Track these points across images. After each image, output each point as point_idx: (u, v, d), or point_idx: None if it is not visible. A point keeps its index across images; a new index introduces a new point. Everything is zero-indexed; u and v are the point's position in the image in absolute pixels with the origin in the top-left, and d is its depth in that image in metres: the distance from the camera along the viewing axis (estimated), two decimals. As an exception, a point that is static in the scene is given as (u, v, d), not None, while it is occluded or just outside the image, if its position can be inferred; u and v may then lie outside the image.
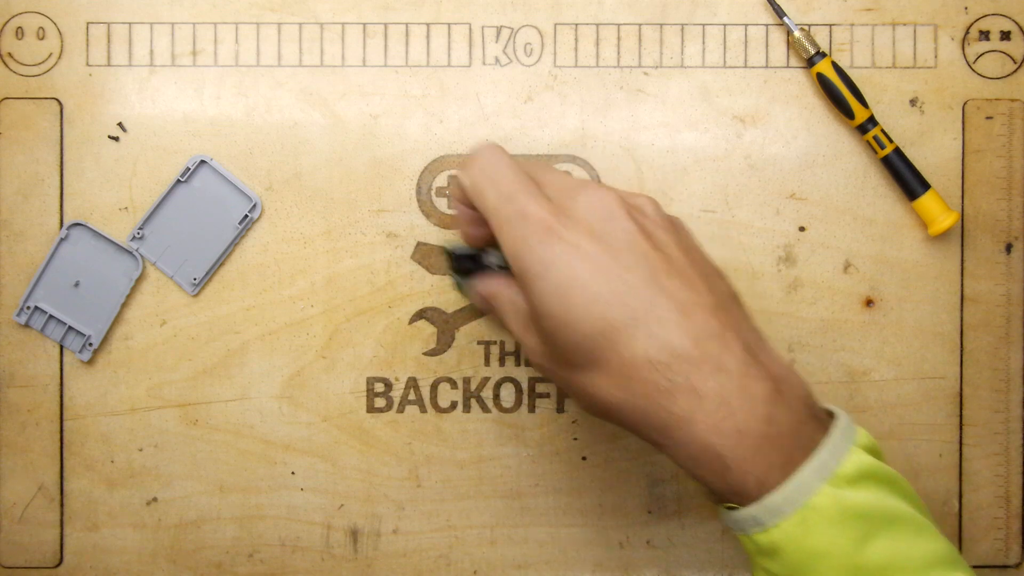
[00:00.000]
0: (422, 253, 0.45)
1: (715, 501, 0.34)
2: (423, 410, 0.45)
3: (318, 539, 0.45)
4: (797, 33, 0.44)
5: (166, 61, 0.45)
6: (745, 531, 0.33)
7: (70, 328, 0.44)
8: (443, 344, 0.45)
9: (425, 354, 0.45)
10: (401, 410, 0.45)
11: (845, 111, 0.44)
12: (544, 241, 0.33)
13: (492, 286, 0.38)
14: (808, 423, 0.33)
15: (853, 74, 0.44)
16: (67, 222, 0.44)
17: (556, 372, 0.35)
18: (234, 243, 0.45)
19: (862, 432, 0.34)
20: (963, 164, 0.45)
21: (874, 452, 0.34)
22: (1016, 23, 0.45)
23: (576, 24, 0.45)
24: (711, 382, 0.32)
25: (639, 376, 0.32)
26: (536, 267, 0.33)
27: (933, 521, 0.34)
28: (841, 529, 0.32)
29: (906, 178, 0.44)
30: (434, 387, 0.45)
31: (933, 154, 0.45)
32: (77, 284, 0.44)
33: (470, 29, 0.45)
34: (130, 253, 0.44)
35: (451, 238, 0.43)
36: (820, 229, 0.45)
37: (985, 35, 0.45)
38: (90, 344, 0.44)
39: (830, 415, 0.34)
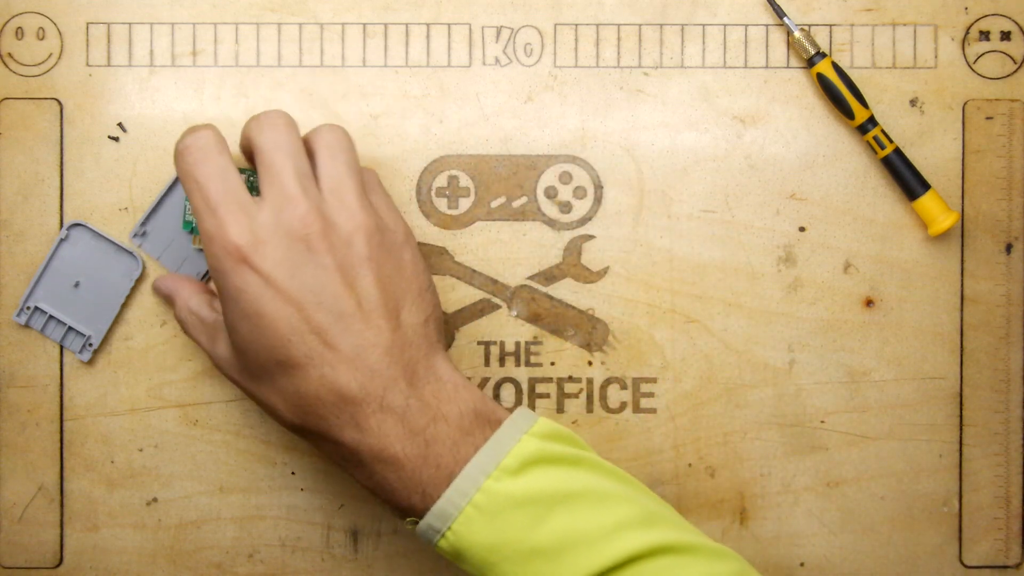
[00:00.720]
0: (422, 253, 0.45)
1: (400, 518, 0.37)
2: (423, 410, 0.45)
3: (318, 539, 0.45)
4: (797, 33, 0.44)
5: (166, 61, 0.45)
6: (431, 541, 0.35)
7: (70, 328, 0.44)
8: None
9: (425, 354, 0.45)
10: (401, 410, 0.45)
11: (845, 111, 0.44)
12: (236, 270, 0.35)
13: (172, 287, 0.41)
14: (474, 433, 0.35)
15: (853, 74, 0.44)
16: (67, 222, 0.44)
17: (241, 383, 0.38)
18: None
19: (542, 422, 0.36)
20: (963, 164, 0.45)
21: (557, 437, 0.36)
22: (1016, 23, 0.45)
23: (576, 24, 0.45)
24: (372, 420, 0.35)
25: (312, 409, 0.35)
26: (230, 291, 0.35)
27: (642, 490, 0.37)
28: (510, 518, 0.34)
29: (906, 178, 0.44)
30: (434, 387, 0.45)
31: (933, 154, 0.45)
32: (77, 284, 0.44)
33: (470, 29, 0.45)
34: (130, 253, 0.44)
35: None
36: (820, 229, 0.45)
37: (985, 35, 0.45)
38: (90, 344, 0.44)
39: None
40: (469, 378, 0.42)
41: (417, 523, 0.36)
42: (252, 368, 0.36)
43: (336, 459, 0.37)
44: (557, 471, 0.35)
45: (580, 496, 0.35)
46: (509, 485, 0.34)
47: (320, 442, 0.37)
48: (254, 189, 0.40)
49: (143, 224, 0.44)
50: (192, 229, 0.44)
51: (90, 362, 0.45)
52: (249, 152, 0.38)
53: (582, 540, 0.34)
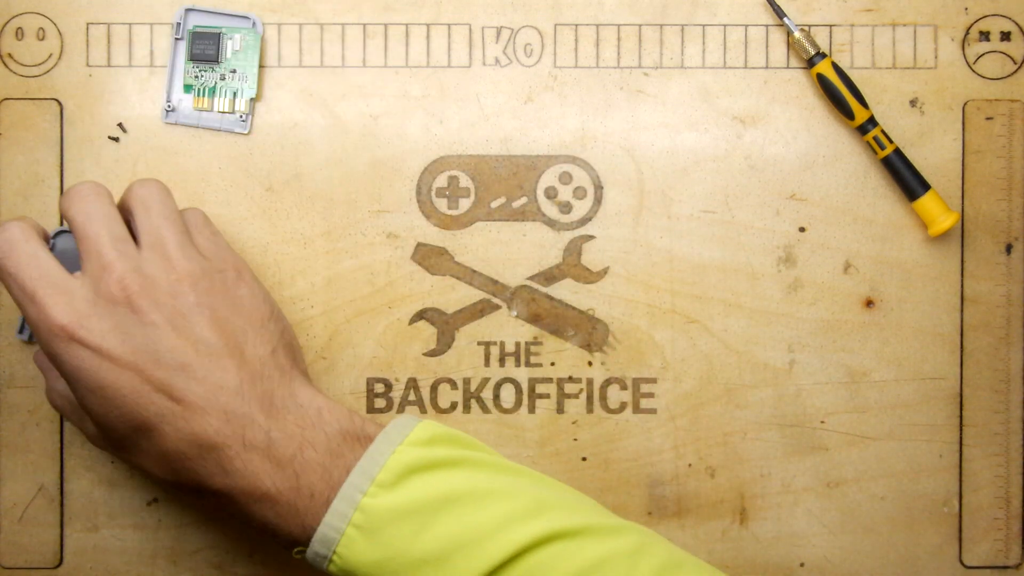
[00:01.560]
0: (422, 254, 0.45)
1: (287, 548, 0.37)
2: (423, 411, 0.45)
3: (318, 540, 0.45)
4: (797, 34, 0.44)
5: (166, 62, 0.45)
6: (323, 568, 0.35)
7: None
8: (443, 345, 0.45)
9: (425, 355, 0.45)
10: (401, 411, 0.45)
11: (845, 112, 0.44)
12: (67, 350, 0.35)
13: (43, 366, 0.41)
14: (344, 454, 0.35)
15: (853, 75, 0.44)
16: (51, 232, 0.44)
17: (115, 453, 0.38)
18: None
19: (421, 427, 0.36)
20: (963, 165, 0.45)
21: (437, 441, 0.36)
22: (1016, 24, 0.45)
23: (576, 24, 0.45)
24: (237, 462, 0.35)
25: (179, 464, 0.35)
26: (68, 372, 0.35)
27: (533, 479, 0.37)
28: (392, 532, 0.34)
29: (906, 179, 0.44)
30: (434, 388, 0.45)
31: (933, 155, 0.45)
32: None
33: (470, 30, 0.45)
34: None
35: None
36: (820, 230, 0.45)
37: (985, 36, 0.45)
38: None
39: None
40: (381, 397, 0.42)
41: (304, 552, 0.35)
42: (114, 438, 0.36)
43: (217, 508, 0.37)
44: (436, 476, 0.35)
45: (462, 498, 0.35)
46: (386, 499, 0.34)
47: (199, 495, 0.37)
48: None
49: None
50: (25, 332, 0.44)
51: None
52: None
53: (468, 541, 0.34)
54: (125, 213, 0.39)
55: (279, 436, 0.35)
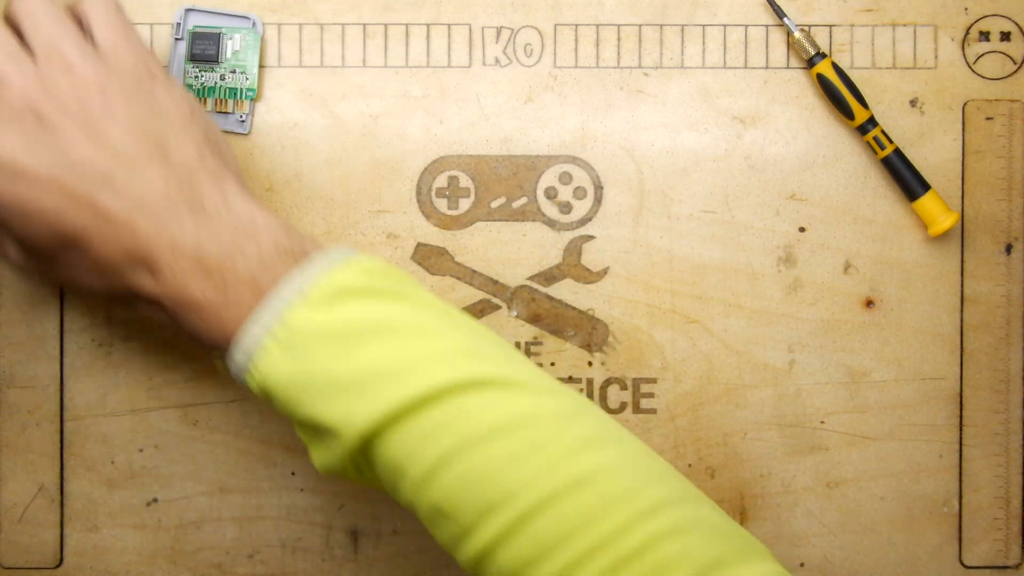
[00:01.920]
0: (422, 254, 0.45)
1: (213, 352, 0.35)
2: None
3: (318, 540, 0.45)
4: (797, 34, 0.44)
5: (166, 62, 0.45)
6: (242, 380, 0.34)
7: None
8: (443, 345, 0.45)
9: (425, 355, 0.45)
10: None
11: (845, 112, 0.44)
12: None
13: None
14: (276, 267, 0.33)
15: (853, 75, 0.44)
16: None
17: (43, 273, 0.37)
18: None
19: (367, 259, 0.34)
20: (963, 165, 0.45)
21: (382, 274, 0.34)
22: (1016, 24, 0.45)
23: (576, 25, 0.45)
24: (165, 267, 0.33)
25: (110, 271, 0.34)
26: None
27: (485, 336, 0.34)
28: (312, 351, 0.32)
29: (906, 179, 0.44)
30: (434, 388, 0.45)
31: (933, 155, 0.45)
32: None
33: (470, 30, 0.45)
34: None
35: None
36: (820, 230, 0.45)
37: (985, 36, 0.45)
38: None
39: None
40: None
41: (222, 358, 0.34)
42: (43, 257, 0.35)
43: (150, 315, 0.36)
44: (369, 304, 0.33)
45: (392, 329, 0.33)
46: (312, 316, 0.32)
47: (133, 303, 0.36)
48: None
49: None
50: None
51: (90, 363, 0.45)
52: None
53: (389, 371, 0.32)
54: (14, 28, 0.36)
55: (209, 243, 0.34)
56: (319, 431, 0.33)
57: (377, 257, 0.34)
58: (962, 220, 0.45)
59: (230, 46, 0.44)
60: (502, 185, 0.45)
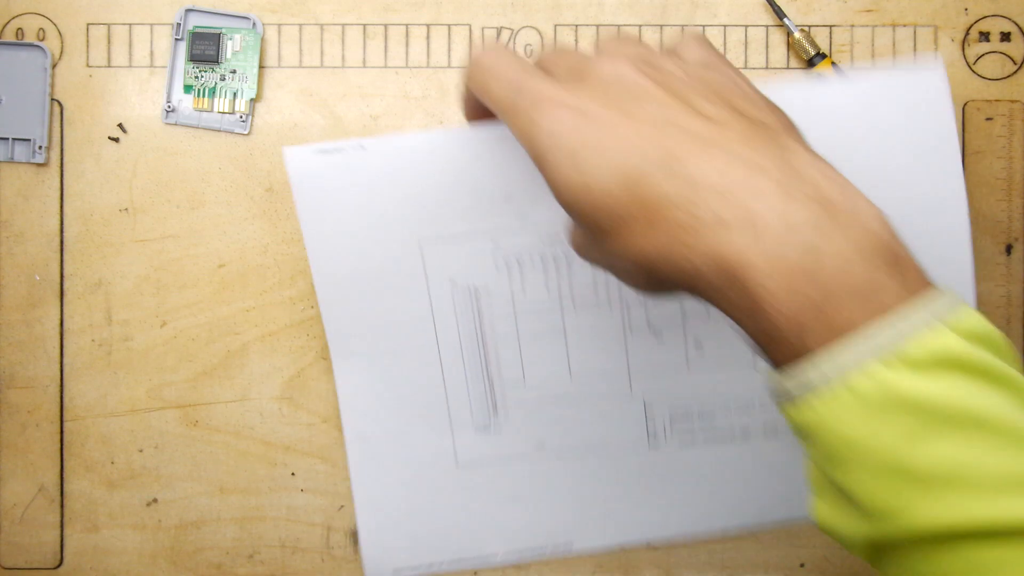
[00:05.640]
0: (422, 254, 0.45)
1: (759, 354, 0.30)
2: (423, 411, 0.45)
3: (318, 540, 0.45)
4: (797, 34, 0.44)
5: (166, 62, 0.45)
6: (779, 404, 0.29)
7: (14, 140, 0.44)
8: (443, 345, 0.45)
9: (425, 355, 0.45)
10: (401, 411, 0.45)
11: (845, 112, 0.44)
12: (550, 113, 0.31)
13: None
14: (876, 273, 0.27)
15: (853, 75, 0.44)
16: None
17: (594, 252, 0.33)
18: None
19: (968, 313, 0.27)
20: (963, 165, 0.45)
21: (984, 340, 0.27)
22: (1016, 24, 0.45)
23: (576, 25, 0.45)
24: (739, 209, 0.27)
25: (663, 218, 0.29)
26: (545, 141, 0.31)
27: None
28: (888, 419, 0.26)
29: (906, 179, 0.44)
30: (434, 388, 0.45)
31: (933, 155, 0.45)
32: (1, 101, 0.44)
33: (470, 30, 0.45)
34: (33, 46, 0.44)
35: None
36: (820, 230, 0.45)
37: (985, 36, 0.45)
38: (40, 147, 0.44)
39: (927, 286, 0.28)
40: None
41: (772, 369, 0.29)
42: (592, 220, 0.31)
43: (687, 283, 0.29)
44: (969, 384, 0.26)
45: (983, 428, 0.26)
46: (903, 380, 0.26)
47: (673, 266, 0.29)
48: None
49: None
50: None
51: (90, 363, 0.45)
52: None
53: (964, 481, 0.26)
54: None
55: (808, 225, 0.27)
56: (848, 497, 0.28)
57: (973, 310, 0.28)
58: (962, 220, 0.45)
59: (230, 46, 0.44)
60: (502, 185, 0.45)
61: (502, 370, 0.42)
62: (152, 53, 0.45)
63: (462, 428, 0.43)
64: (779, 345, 0.28)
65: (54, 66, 0.45)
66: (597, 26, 0.45)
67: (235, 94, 0.44)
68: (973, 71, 0.45)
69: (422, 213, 0.41)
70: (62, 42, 0.45)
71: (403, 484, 0.43)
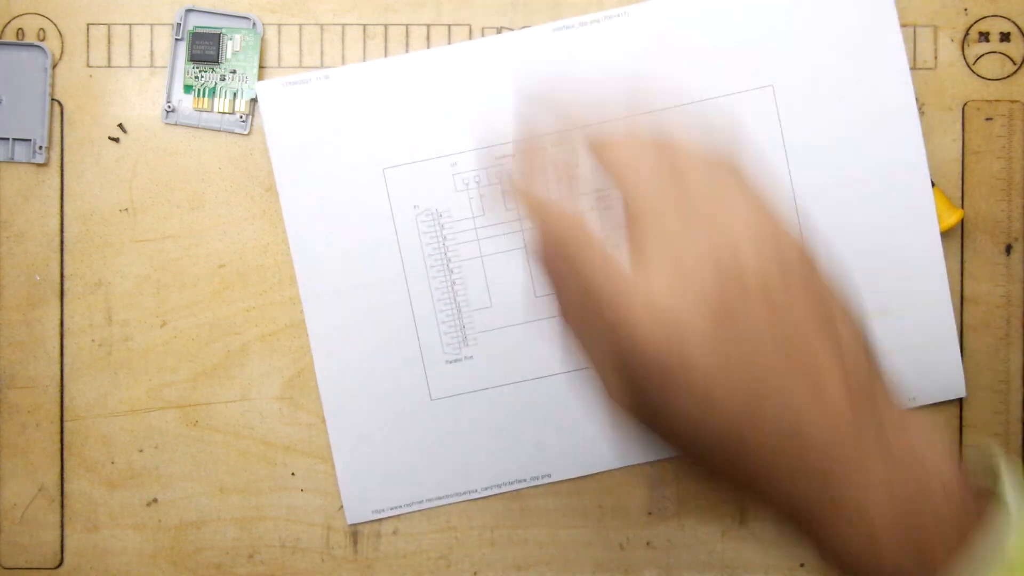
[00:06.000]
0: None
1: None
2: (423, 411, 0.45)
3: (318, 540, 0.45)
4: (797, 34, 0.44)
5: (166, 62, 0.45)
6: None
7: (15, 140, 0.44)
8: (443, 345, 0.45)
9: (425, 355, 0.45)
10: (401, 411, 0.45)
11: (845, 112, 0.44)
12: (664, 386, 0.27)
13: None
14: (962, 516, 0.27)
15: (853, 75, 0.44)
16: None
17: (644, 410, 0.28)
18: None
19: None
20: (963, 165, 0.45)
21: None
22: (1016, 24, 0.45)
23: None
24: (846, 490, 0.26)
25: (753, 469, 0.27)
26: (654, 405, 0.27)
27: None
28: None
29: (906, 179, 0.44)
30: (434, 388, 0.45)
31: (933, 155, 0.45)
32: (1, 101, 0.44)
33: (470, 30, 0.45)
34: (33, 46, 0.44)
35: None
36: (820, 230, 0.45)
37: (985, 36, 0.45)
38: (40, 147, 0.44)
39: (986, 494, 0.28)
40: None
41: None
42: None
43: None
44: None
45: None
46: None
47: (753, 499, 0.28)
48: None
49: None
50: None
51: (91, 363, 0.45)
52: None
53: None
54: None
55: (899, 479, 0.27)
56: None
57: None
58: (962, 220, 0.45)
59: (230, 46, 0.44)
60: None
61: (469, 295, 0.43)
62: (152, 53, 0.45)
63: (434, 361, 0.43)
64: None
65: (54, 66, 0.45)
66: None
67: (235, 94, 0.44)
68: (973, 71, 0.45)
69: (384, 139, 0.43)
70: (62, 42, 0.45)
71: (378, 423, 0.44)
